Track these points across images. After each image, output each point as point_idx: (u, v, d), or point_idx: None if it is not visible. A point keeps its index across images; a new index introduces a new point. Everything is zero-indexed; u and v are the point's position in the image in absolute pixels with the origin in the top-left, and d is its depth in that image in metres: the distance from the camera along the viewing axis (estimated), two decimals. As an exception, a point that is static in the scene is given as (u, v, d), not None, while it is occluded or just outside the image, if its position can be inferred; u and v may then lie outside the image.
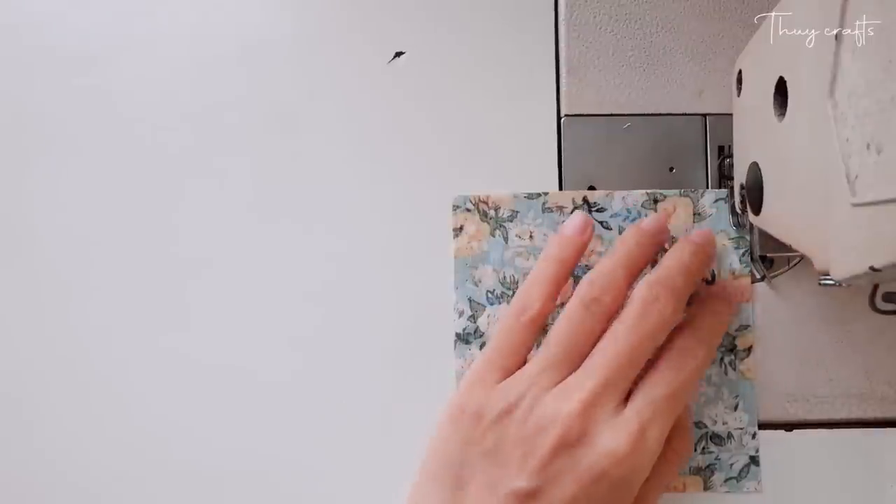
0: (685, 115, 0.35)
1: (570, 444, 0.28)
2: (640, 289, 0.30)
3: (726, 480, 0.33)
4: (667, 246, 0.33)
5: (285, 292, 0.35)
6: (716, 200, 0.34)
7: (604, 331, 0.30)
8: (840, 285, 0.28)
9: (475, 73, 0.36)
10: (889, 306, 0.31)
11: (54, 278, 0.36)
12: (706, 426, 0.33)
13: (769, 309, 0.34)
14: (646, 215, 0.34)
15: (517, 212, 0.34)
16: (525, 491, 0.28)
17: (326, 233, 0.35)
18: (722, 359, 0.33)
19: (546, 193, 0.34)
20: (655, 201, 0.34)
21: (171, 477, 0.35)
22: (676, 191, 0.34)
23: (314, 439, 0.35)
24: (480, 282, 0.34)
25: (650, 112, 0.35)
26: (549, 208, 0.34)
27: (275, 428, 0.35)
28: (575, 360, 0.29)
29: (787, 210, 0.26)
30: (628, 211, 0.34)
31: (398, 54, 0.36)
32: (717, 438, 0.33)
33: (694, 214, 0.34)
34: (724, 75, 0.35)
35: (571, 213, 0.34)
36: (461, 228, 0.34)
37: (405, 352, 0.35)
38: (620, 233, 0.34)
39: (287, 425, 0.35)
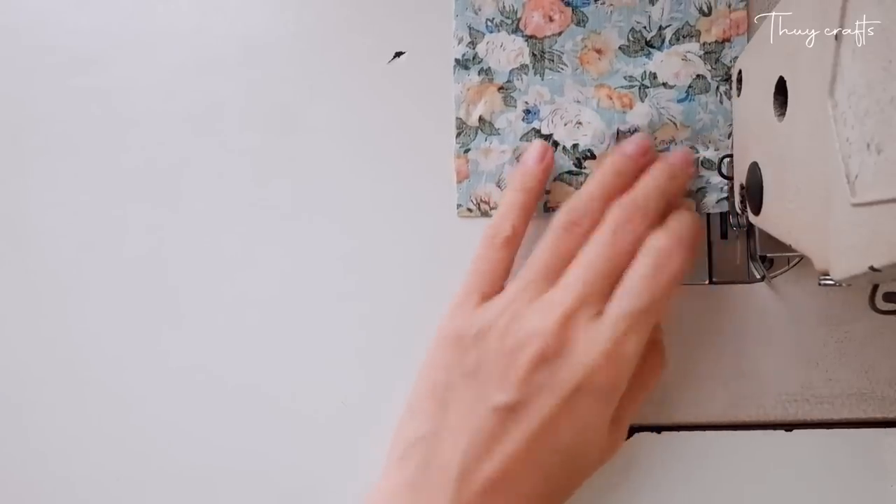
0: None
1: (549, 357, 0.28)
2: (614, 210, 0.30)
3: (718, 201, 0.34)
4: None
5: (286, 291, 0.35)
6: None
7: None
8: (840, 285, 0.28)
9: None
10: (889, 306, 0.31)
11: (52, 279, 0.36)
12: (698, 151, 0.34)
13: (769, 309, 0.34)
14: None
15: None
16: (506, 405, 0.28)
17: (327, 232, 0.35)
18: (717, 87, 0.34)
19: None
20: None
21: (168, 478, 0.35)
22: None
23: (317, 438, 0.35)
24: (480, 10, 0.35)
25: (650, 112, 0.35)
26: None
27: (278, 427, 0.35)
28: (552, 278, 0.30)
29: (787, 210, 0.26)
30: None
31: (398, 54, 0.36)
32: (708, 163, 0.34)
33: None
34: (724, 75, 0.35)
35: None
36: None
37: (409, 351, 0.35)
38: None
39: (290, 424, 0.35)
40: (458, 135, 0.35)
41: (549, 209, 0.35)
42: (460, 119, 0.35)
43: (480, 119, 0.35)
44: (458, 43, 0.35)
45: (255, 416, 0.35)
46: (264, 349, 0.35)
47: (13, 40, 0.37)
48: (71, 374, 0.36)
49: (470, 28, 0.35)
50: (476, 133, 0.35)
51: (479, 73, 0.35)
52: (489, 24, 0.35)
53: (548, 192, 0.35)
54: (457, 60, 0.35)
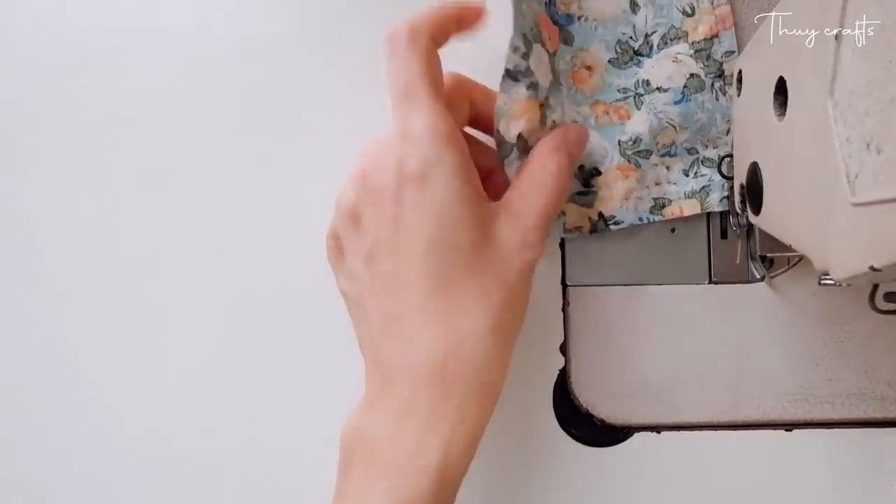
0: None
1: (365, 175, 0.29)
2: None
3: (721, 199, 0.34)
4: None
5: (287, 291, 0.35)
6: None
7: None
8: (840, 285, 0.28)
9: (475, 72, 0.36)
10: (889, 306, 0.31)
11: (51, 278, 0.36)
12: (698, 151, 0.34)
13: (769, 309, 0.34)
14: None
15: None
16: (366, 253, 0.28)
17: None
18: (712, 84, 0.34)
19: None
20: None
21: (168, 478, 0.35)
22: None
23: (317, 438, 0.35)
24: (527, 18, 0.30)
25: (650, 112, 0.35)
26: None
27: (278, 427, 0.35)
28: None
29: (787, 210, 0.26)
30: None
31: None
32: (709, 161, 0.34)
33: None
34: (724, 75, 0.35)
35: None
36: None
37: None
38: None
39: (289, 424, 0.35)
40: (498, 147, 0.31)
41: (567, 231, 0.34)
42: (499, 132, 0.30)
43: (520, 137, 0.30)
44: (513, 52, 0.29)
45: (254, 416, 0.35)
46: (264, 349, 0.35)
47: (13, 40, 0.37)
48: (70, 374, 0.36)
49: (524, 37, 0.29)
50: (512, 150, 0.30)
51: (526, 88, 0.30)
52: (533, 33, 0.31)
53: (563, 214, 0.34)
54: (507, 70, 0.29)
